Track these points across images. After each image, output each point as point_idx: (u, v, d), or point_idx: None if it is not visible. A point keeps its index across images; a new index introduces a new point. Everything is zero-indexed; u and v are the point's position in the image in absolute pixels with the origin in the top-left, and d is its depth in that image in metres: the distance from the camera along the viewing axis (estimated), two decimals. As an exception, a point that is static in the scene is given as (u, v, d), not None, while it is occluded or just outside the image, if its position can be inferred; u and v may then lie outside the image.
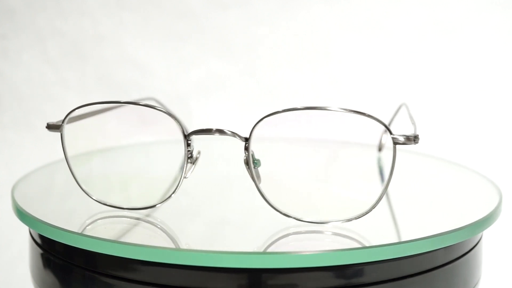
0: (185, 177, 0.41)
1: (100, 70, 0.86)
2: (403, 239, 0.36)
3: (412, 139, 0.38)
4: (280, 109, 0.39)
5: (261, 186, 0.39)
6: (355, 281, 0.36)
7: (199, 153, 0.41)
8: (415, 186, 0.49)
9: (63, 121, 0.42)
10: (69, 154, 0.43)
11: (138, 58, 0.85)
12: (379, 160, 0.53)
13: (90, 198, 0.42)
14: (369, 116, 0.38)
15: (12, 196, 0.43)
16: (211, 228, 0.41)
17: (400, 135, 0.38)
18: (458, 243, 0.39)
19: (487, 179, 0.48)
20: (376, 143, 0.54)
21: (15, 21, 0.86)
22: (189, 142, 0.40)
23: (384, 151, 0.53)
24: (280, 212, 0.39)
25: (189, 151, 0.40)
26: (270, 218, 0.42)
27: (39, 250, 0.41)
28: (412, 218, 0.42)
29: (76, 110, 0.42)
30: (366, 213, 0.38)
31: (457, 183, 0.49)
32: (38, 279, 0.41)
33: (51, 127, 0.43)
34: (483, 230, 0.40)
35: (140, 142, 0.57)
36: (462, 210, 0.43)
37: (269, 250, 0.36)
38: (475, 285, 0.41)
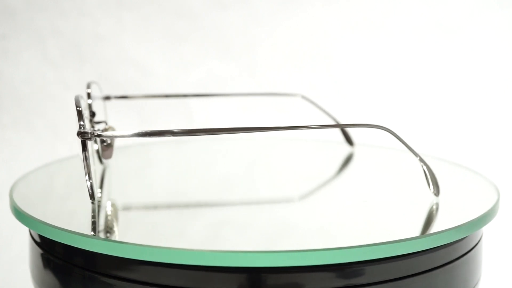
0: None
1: (100, 69, 0.86)
2: (403, 238, 0.36)
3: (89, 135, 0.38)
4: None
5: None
6: (355, 281, 0.36)
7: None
8: (414, 185, 0.49)
9: None
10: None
11: (138, 57, 0.85)
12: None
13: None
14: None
15: (10, 197, 0.43)
16: (212, 228, 0.41)
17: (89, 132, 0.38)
18: (458, 243, 0.39)
19: (485, 179, 0.48)
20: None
21: (15, 21, 0.86)
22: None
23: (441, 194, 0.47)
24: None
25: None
26: (270, 218, 0.42)
27: (39, 250, 0.41)
28: (412, 218, 0.42)
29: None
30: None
31: (455, 183, 0.49)
32: (38, 279, 0.41)
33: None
34: (480, 228, 0.40)
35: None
36: (461, 209, 0.43)
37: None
38: (475, 285, 0.41)
